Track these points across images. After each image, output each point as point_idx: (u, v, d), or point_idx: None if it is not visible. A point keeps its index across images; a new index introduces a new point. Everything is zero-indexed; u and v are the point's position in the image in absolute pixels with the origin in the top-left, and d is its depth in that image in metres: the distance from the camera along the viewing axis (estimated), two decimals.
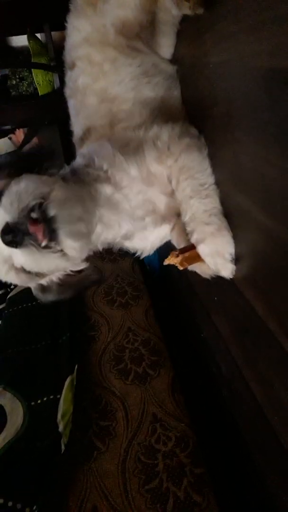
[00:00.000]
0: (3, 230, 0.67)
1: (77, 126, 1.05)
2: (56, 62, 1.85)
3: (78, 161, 0.90)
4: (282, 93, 0.59)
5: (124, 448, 0.93)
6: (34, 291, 0.84)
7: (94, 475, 0.88)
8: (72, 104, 1.07)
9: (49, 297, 0.84)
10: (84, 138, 0.99)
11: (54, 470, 0.87)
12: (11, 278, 0.78)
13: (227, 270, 0.81)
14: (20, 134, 2.05)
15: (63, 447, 0.89)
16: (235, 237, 0.81)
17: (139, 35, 0.99)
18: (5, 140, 2.28)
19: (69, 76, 1.07)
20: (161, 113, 0.95)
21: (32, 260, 0.72)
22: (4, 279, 0.79)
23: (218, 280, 0.85)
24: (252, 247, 0.76)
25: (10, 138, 2.27)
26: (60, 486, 0.86)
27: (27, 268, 0.74)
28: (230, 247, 0.81)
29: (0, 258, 0.74)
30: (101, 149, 0.88)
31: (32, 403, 0.95)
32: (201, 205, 0.83)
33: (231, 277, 0.81)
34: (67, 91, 1.09)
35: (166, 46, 1.02)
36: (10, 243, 0.67)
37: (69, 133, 1.11)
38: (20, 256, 0.72)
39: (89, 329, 1.26)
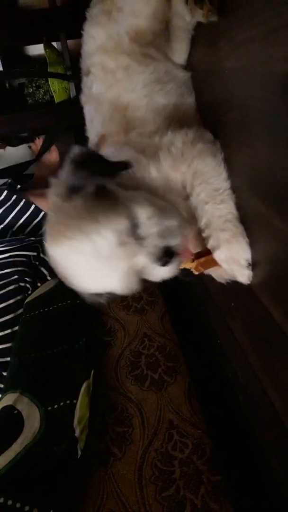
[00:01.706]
0: (165, 253, 0.76)
1: (92, 132, 1.06)
2: (72, 71, 1.88)
3: None
4: None
5: (141, 454, 0.92)
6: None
7: (111, 481, 0.88)
8: (87, 110, 1.08)
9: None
10: (99, 144, 1.00)
11: (71, 475, 0.87)
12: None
13: (243, 276, 0.81)
14: (39, 143, 2.08)
15: (79, 452, 0.89)
16: (251, 243, 0.80)
17: (152, 42, 0.99)
18: (23, 147, 2.31)
19: (85, 82, 1.08)
20: (175, 120, 0.96)
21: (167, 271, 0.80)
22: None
23: (234, 285, 0.85)
24: (268, 252, 0.75)
25: (29, 147, 2.30)
26: (76, 492, 0.86)
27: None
28: (245, 253, 0.80)
29: (134, 271, 0.77)
30: (122, 152, 0.89)
31: (49, 408, 0.95)
32: (216, 210, 0.82)
33: (248, 282, 0.81)
34: (83, 98, 1.11)
35: (180, 51, 1.02)
36: (165, 264, 0.76)
37: (85, 140, 1.12)
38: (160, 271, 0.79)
39: (105, 335, 1.26)
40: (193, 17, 0.88)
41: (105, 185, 0.76)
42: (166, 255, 0.75)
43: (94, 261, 0.71)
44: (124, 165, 0.82)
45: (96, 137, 1.01)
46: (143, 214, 0.75)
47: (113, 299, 0.83)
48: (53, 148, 2.01)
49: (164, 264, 0.76)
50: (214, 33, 0.85)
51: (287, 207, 0.65)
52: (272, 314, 0.74)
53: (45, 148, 1.94)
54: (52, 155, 2.02)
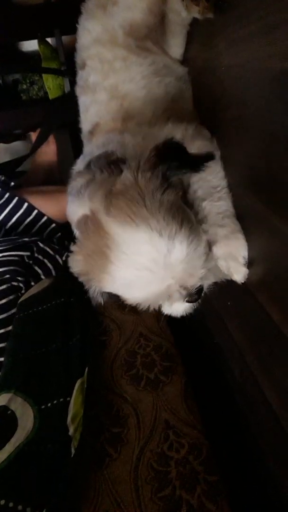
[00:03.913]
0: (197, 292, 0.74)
1: (86, 122, 1.05)
2: (67, 66, 1.86)
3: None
4: None
5: (136, 455, 0.91)
6: None
7: (106, 482, 0.87)
8: (82, 101, 1.08)
9: None
10: (93, 132, 0.99)
11: (64, 474, 0.86)
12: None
13: (239, 274, 0.80)
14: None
15: (73, 450, 0.88)
16: (248, 241, 0.80)
17: (147, 36, 0.99)
18: (21, 143, 2.28)
19: (80, 75, 1.08)
20: (174, 114, 0.95)
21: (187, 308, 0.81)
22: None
23: (231, 284, 0.84)
24: (266, 251, 0.74)
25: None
26: (72, 492, 0.85)
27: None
28: (244, 251, 0.80)
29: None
30: (125, 140, 0.88)
31: (43, 407, 0.95)
32: (213, 207, 0.82)
33: (243, 281, 0.80)
34: (78, 90, 1.10)
35: (176, 46, 1.02)
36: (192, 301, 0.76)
37: (79, 138, 1.11)
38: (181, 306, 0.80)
39: (100, 334, 1.26)
40: (189, 13, 0.88)
41: (186, 192, 0.74)
42: (197, 293, 0.73)
43: (155, 263, 0.66)
44: (208, 157, 0.78)
45: (91, 125, 1.01)
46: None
47: (115, 301, 0.79)
48: (51, 139, 1.99)
49: (191, 301, 0.74)
50: (211, 30, 0.85)
51: (285, 205, 0.64)
52: (269, 313, 0.73)
53: (39, 142, 1.93)
54: (50, 147, 2.00)
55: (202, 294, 0.75)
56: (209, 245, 0.79)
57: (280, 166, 0.64)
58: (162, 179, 0.69)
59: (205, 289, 0.75)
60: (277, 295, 0.71)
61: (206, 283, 0.76)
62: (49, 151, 1.99)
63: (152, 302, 0.73)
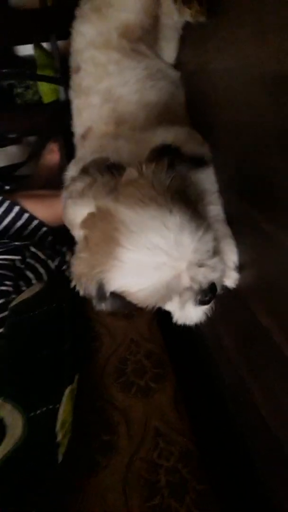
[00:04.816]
0: (210, 289, 0.70)
1: (79, 126, 1.05)
2: (62, 72, 1.86)
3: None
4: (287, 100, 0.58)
5: (126, 463, 0.90)
6: None
7: (95, 490, 0.86)
8: (75, 104, 1.07)
9: None
10: (85, 136, 0.98)
11: (51, 480, 0.85)
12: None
13: (230, 279, 0.79)
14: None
15: (60, 457, 0.87)
16: (238, 246, 0.79)
17: (141, 38, 0.99)
18: (17, 147, 2.29)
19: (74, 79, 1.07)
20: (167, 119, 0.95)
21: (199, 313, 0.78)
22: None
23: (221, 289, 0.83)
24: (256, 256, 0.74)
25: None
26: (60, 500, 0.84)
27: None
28: (234, 255, 0.79)
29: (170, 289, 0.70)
30: (119, 145, 0.87)
31: (32, 414, 0.93)
32: (204, 212, 0.81)
33: (233, 286, 0.79)
34: (72, 94, 1.09)
35: (169, 50, 1.03)
36: (204, 303, 0.72)
37: (72, 142, 1.11)
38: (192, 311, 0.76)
39: (91, 340, 1.24)
40: (181, 17, 0.88)
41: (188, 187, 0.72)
42: (211, 291, 0.69)
43: (166, 242, 0.63)
44: (200, 161, 0.78)
45: (83, 129, 1.00)
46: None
47: (119, 307, 0.75)
48: (55, 149, 1.99)
49: (204, 302, 0.71)
50: (203, 33, 0.85)
51: (276, 210, 0.64)
52: (259, 320, 0.73)
53: (36, 150, 1.93)
54: (53, 156, 2.00)
55: (215, 293, 0.70)
56: None
57: (272, 170, 0.64)
58: (167, 168, 0.67)
59: (218, 288, 0.70)
60: (266, 301, 0.71)
61: (219, 282, 0.70)
62: (53, 160, 2.00)
63: (161, 296, 0.68)
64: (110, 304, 0.74)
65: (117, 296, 0.71)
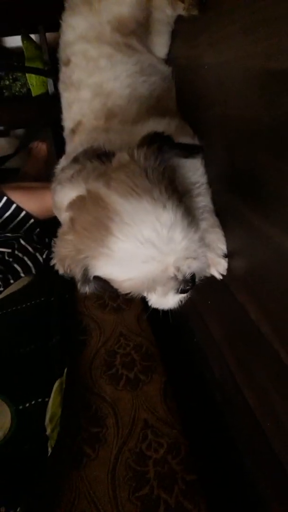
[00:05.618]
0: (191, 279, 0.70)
1: (68, 119, 1.04)
2: (51, 64, 1.84)
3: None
4: (278, 94, 0.58)
5: (114, 454, 0.91)
6: None
7: (83, 482, 0.86)
8: (65, 97, 1.06)
9: None
10: (75, 130, 0.98)
11: (41, 473, 0.85)
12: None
13: (220, 266, 0.80)
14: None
15: (50, 450, 0.87)
16: (226, 238, 0.80)
17: (134, 32, 0.98)
18: (5, 139, 2.26)
19: (64, 72, 1.06)
20: (157, 112, 0.95)
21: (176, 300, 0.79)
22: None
23: (211, 282, 0.84)
24: (244, 248, 0.75)
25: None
26: (48, 492, 0.84)
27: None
28: (222, 244, 0.80)
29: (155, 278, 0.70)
30: (111, 137, 0.87)
31: (20, 407, 0.93)
32: (192, 203, 0.82)
33: (224, 273, 0.80)
34: (61, 86, 1.08)
35: (161, 45, 1.02)
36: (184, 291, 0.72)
37: (63, 138, 1.10)
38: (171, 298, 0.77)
39: (80, 334, 1.24)
40: (174, 11, 0.88)
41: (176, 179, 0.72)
42: (191, 280, 0.70)
43: (158, 236, 0.63)
44: (196, 149, 0.77)
45: (73, 123, 0.99)
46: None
47: (103, 290, 0.75)
48: (43, 143, 1.97)
49: (184, 291, 0.71)
50: (194, 28, 0.85)
51: (263, 203, 0.65)
52: (248, 312, 0.73)
53: (24, 143, 1.91)
54: (42, 150, 1.98)
55: (195, 283, 0.72)
56: None
57: (260, 164, 0.65)
58: (159, 154, 0.67)
59: (197, 279, 0.72)
60: (255, 294, 0.72)
61: (198, 273, 0.71)
62: (41, 154, 1.98)
63: (146, 287, 0.69)
64: (94, 287, 0.74)
65: (101, 280, 0.72)
